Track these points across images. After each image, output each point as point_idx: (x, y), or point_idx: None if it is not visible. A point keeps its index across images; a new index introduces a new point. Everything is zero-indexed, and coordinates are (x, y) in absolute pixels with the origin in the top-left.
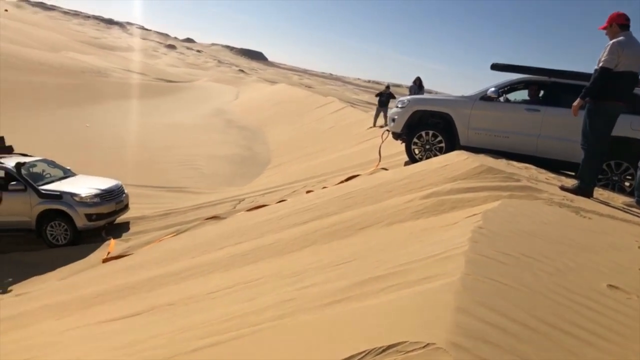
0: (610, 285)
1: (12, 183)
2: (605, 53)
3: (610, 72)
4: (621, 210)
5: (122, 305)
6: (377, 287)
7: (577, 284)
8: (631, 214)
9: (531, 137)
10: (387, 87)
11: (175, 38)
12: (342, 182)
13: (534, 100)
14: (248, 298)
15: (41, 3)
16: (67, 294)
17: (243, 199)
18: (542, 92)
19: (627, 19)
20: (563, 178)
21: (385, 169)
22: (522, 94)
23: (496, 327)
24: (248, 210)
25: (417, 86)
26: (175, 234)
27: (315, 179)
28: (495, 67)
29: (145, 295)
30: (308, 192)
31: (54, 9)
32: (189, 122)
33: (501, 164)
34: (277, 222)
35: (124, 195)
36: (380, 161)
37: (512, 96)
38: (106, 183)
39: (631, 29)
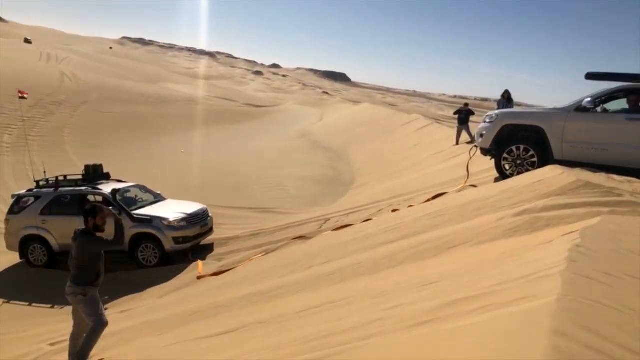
0: None
1: (109, 208)
2: None
3: None
4: None
5: (216, 323)
6: (468, 308)
7: None
8: None
9: (634, 148)
10: (466, 104)
11: (262, 64)
12: (428, 200)
13: (634, 109)
14: (335, 318)
15: (141, 39)
16: (166, 311)
17: (329, 219)
18: None
19: None
20: None
21: (474, 186)
22: (621, 104)
23: (599, 352)
24: (334, 230)
25: (506, 100)
26: (264, 253)
27: (401, 197)
28: (591, 76)
29: (237, 313)
30: (394, 211)
31: (151, 44)
32: (276, 144)
33: (600, 178)
34: (363, 242)
35: (208, 218)
36: (468, 178)
37: (609, 106)
38: (192, 207)
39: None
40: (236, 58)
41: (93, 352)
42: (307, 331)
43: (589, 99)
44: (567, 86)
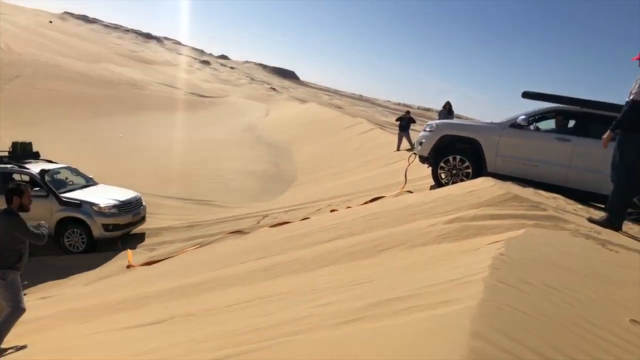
0: (633, 320)
1: (35, 189)
2: (637, 86)
3: None
4: None
5: (143, 313)
6: (393, 309)
7: (599, 317)
8: None
9: (561, 167)
10: (408, 112)
11: (210, 54)
12: (366, 202)
13: (562, 129)
14: (266, 313)
15: (84, 16)
16: (91, 299)
17: (267, 215)
18: (572, 122)
19: None
20: (592, 210)
21: (411, 192)
22: (551, 123)
23: (512, 355)
24: (271, 227)
25: (447, 111)
26: (198, 246)
27: (340, 198)
28: (527, 95)
29: (166, 304)
30: (332, 211)
31: (95, 22)
32: (220, 136)
33: (528, 192)
34: (300, 240)
35: (141, 207)
36: (406, 184)
37: (542, 125)
38: (125, 194)
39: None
40: (184, 45)
41: (8, 337)
42: (235, 325)
43: (523, 117)
44: (508, 102)
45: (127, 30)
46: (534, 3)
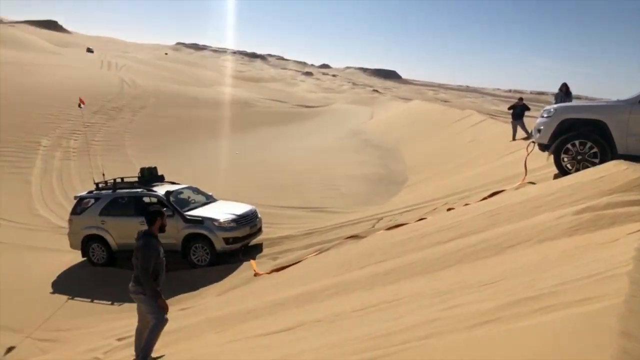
0: None
1: (163, 209)
2: None
3: None
4: None
5: (273, 321)
6: (529, 309)
7: None
8: None
9: None
10: (521, 99)
11: (312, 65)
12: (485, 198)
13: None
14: (393, 317)
15: (194, 44)
16: (224, 309)
17: (381, 218)
18: None
19: None
20: None
21: (533, 183)
22: None
23: None
24: (387, 229)
25: (564, 93)
26: (317, 252)
27: (456, 195)
28: None
29: (294, 311)
30: (449, 209)
31: (205, 49)
32: (327, 144)
33: None
34: (419, 241)
35: (257, 219)
36: (526, 175)
37: None
38: (242, 208)
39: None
40: (287, 60)
41: (157, 346)
42: (364, 330)
43: None
44: (628, 77)
45: (234, 53)
46: None
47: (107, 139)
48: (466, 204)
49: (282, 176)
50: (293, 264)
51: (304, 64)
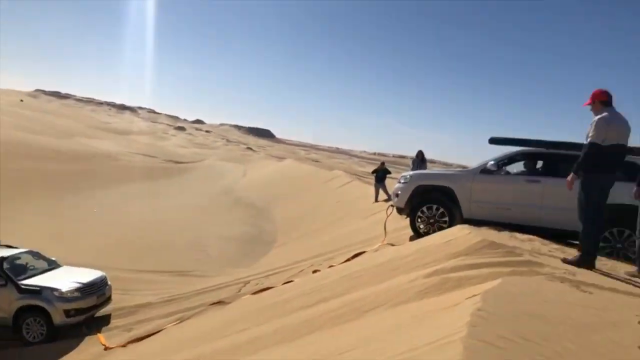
0: None
1: None
2: (592, 129)
3: (599, 147)
4: (623, 281)
5: None
6: None
7: None
8: (633, 284)
9: (533, 207)
10: (382, 163)
11: (185, 120)
12: (347, 260)
13: (532, 171)
14: None
15: (56, 92)
16: None
17: (249, 282)
18: (540, 163)
19: (609, 96)
20: (566, 249)
21: (392, 245)
22: (521, 165)
23: None
24: (253, 294)
25: (420, 160)
26: (178, 321)
27: (323, 256)
28: (493, 141)
29: None
30: (314, 271)
31: (68, 97)
32: (197, 202)
33: (504, 237)
34: (283, 306)
35: (106, 287)
36: (386, 236)
37: (512, 168)
38: (89, 275)
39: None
40: (158, 113)
41: None
42: None
43: (492, 162)
44: (480, 145)
45: (101, 103)
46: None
47: None
48: (330, 266)
49: (144, 237)
50: (151, 335)
51: (177, 118)
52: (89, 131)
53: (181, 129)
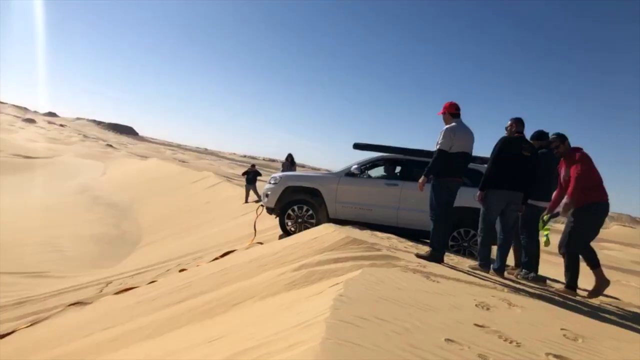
0: (448, 340)
1: None
2: (441, 137)
3: (446, 154)
4: (466, 273)
5: None
6: (249, 357)
7: (422, 340)
8: (474, 276)
9: (392, 209)
10: (253, 165)
11: (35, 112)
12: (217, 258)
13: (391, 175)
14: None
15: None
16: None
17: (111, 282)
18: (398, 168)
19: (458, 109)
20: (420, 246)
21: (261, 243)
22: (382, 170)
23: None
24: (116, 294)
25: (289, 163)
26: (30, 324)
27: (191, 256)
28: (357, 146)
29: None
30: (181, 270)
31: None
32: (51, 200)
33: (366, 234)
34: (149, 304)
35: None
36: (255, 235)
37: (374, 172)
38: None
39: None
40: (3, 102)
41: None
42: None
43: (356, 166)
44: (346, 152)
45: None
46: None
47: None
48: (198, 265)
49: None
50: (1, 337)
51: (26, 109)
52: None
53: (31, 121)
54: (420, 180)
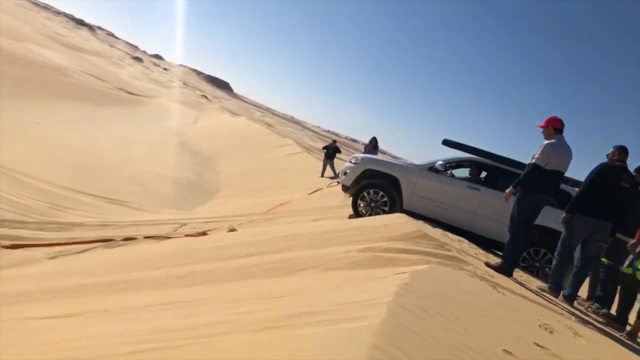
0: (505, 350)
1: None
2: (539, 152)
3: (541, 170)
4: (533, 292)
5: (50, 306)
6: (306, 321)
7: (478, 344)
8: (542, 297)
9: (468, 213)
10: (334, 141)
11: (144, 52)
12: (311, 193)
13: (474, 179)
14: (185, 315)
15: None
16: None
17: (185, 224)
18: (483, 173)
19: (562, 124)
20: (491, 256)
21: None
22: (466, 171)
23: None
24: (189, 235)
25: (372, 146)
26: (107, 244)
27: (260, 215)
28: (446, 142)
29: (76, 300)
30: (230, 231)
31: None
32: (143, 137)
33: (437, 233)
34: (218, 252)
35: None
36: (318, 191)
37: (457, 172)
38: None
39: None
40: (117, 38)
41: None
42: (154, 324)
43: (441, 162)
44: (431, 146)
45: (58, 13)
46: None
47: None
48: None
49: (84, 159)
50: (73, 244)
51: (136, 47)
52: (41, 39)
53: (138, 59)
54: (508, 190)
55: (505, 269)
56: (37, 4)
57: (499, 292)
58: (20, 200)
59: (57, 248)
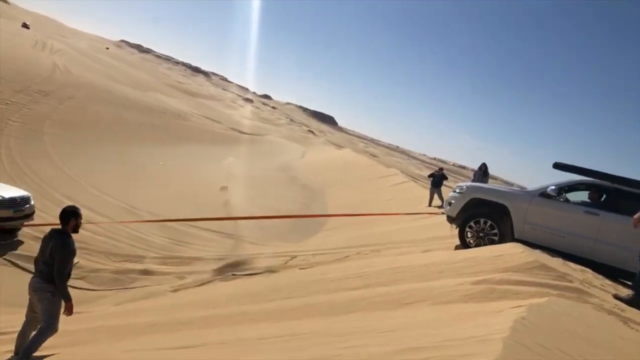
0: None
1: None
2: None
3: None
4: None
5: (175, 338)
6: (415, 357)
7: None
8: None
9: (587, 240)
10: (441, 169)
11: (254, 93)
12: (409, 213)
13: (594, 203)
14: (297, 348)
15: (139, 45)
16: (122, 319)
17: (296, 256)
18: (603, 197)
19: None
20: (620, 287)
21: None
22: (582, 195)
23: None
24: (300, 269)
25: (483, 172)
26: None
27: (370, 247)
28: (558, 166)
29: (197, 332)
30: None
31: (148, 52)
32: (255, 173)
33: (557, 262)
34: (328, 284)
35: (27, 205)
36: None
37: (572, 196)
38: (13, 192)
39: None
40: (229, 82)
41: (46, 344)
42: (268, 356)
43: (553, 187)
44: (544, 168)
45: (177, 63)
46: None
47: (27, 122)
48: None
49: (203, 196)
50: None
51: (246, 89)
52: (163, 88)
53: (249, 100)
54: (637, 215)
55: (637, 302)
56: (159, 57)
57: (632, 328)
58: (147, 237)
59: (179, 282)
